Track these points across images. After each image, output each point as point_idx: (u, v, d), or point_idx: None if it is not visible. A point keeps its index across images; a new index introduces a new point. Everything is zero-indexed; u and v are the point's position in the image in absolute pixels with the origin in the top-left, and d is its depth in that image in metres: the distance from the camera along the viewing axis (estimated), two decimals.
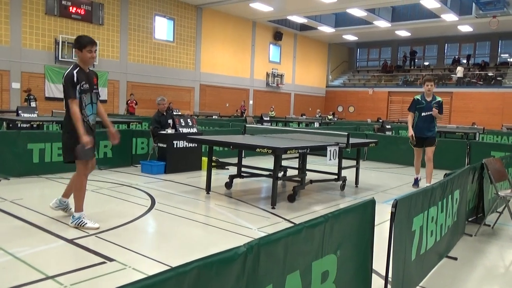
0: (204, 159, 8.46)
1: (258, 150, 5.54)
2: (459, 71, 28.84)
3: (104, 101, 20.15)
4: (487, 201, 5.28)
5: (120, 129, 9.85)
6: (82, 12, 19.16)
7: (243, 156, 7.61)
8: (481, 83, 28.45)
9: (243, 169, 6.99)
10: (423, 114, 6.73)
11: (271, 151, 5.39)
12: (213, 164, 6.77)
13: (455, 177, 4.02)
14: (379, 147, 9.63)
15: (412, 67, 33.65)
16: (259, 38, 28.28)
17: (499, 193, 4.86)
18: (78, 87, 4.18)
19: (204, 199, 6.11)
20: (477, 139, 13.85)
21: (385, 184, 8.14)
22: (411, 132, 6.85)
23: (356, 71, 36.93)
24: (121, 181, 7.12)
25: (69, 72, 4.21)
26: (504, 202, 5.01)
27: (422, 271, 3.23)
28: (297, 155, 6.79)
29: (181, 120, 8.68)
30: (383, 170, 10.15)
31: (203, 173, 8.01)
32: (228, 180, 6.87)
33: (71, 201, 4.76)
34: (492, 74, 28.62)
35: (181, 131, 8.49)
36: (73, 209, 4.62)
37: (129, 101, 19.58)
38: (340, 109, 33.48)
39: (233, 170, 7.92)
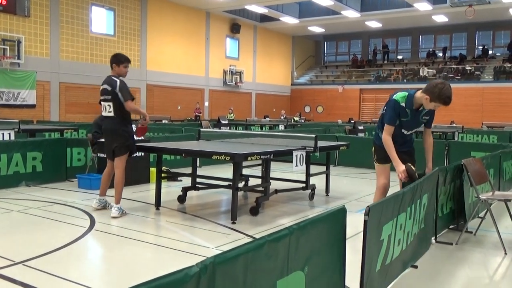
0: (153, 170, 8.34)
1: (214, 157, 5.54)
2: (426, 71, 30.33)
3: (32, 106, 19.54)
4: (468, 206, 5.48)
5: (51, 138, 9.61)
6: (4, 2, 18.57)
7: (198, 165, 7.57)
8: (459, 77, 29.75)
9: (198, 180, 6.96)
10: (404, 131, 4.71)
11: (229, 158, 5.40)
12: (163, 175, 6.72)
13: (425, 180, 4.14)
14: (351, 151, 9.81)
15: (385, 62, 34.74)
16: (214, 31, 28.37)
17: (480, 196, 5.06)
18: None
19: (154, 216, 6.05)
20: (456, 138, 14.39)
21: (358, 191, 8.30)
22: (400, 165, 4.50)
23: (323, 66, 37.63)
24: (54, 199, 6.96)
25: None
26: (486, 206, 5.22)
27: (384, 282, 3.32)
28: (260, 162, 6.82)
29: None
30: (357, 176, 10.33)
31: (152, 186, 7.89)
32: (181, 193, 6.83)
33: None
34: (470, 68, 30.02)
35: None
36: (113, 203, 6.02)
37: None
38: (307, 109, 33.98)
39: (187, 181, 7.85)
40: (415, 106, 4.48)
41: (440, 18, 28.29)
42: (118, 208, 5.92)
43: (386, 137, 4.54)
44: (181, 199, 6.78)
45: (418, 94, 4.42)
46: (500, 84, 27.65)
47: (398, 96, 4.51)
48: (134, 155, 6.37)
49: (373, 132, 5.37)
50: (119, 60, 6.02)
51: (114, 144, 6.01)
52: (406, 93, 4.52)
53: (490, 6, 25.13)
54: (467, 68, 30.14)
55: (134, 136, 6.26)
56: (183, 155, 5.94)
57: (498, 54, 31.50)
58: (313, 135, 6.79)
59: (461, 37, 32.94)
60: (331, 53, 38.30)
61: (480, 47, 31.83)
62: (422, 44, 34.45)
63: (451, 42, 33.23)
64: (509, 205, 5.29)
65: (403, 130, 4.66)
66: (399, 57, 35.13)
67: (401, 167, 4.43)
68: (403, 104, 4.48)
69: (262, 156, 5.80)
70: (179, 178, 8.52)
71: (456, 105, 27.36)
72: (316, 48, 38.25)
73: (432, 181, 4.70)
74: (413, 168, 4.50)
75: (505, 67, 28.75)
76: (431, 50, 33.17)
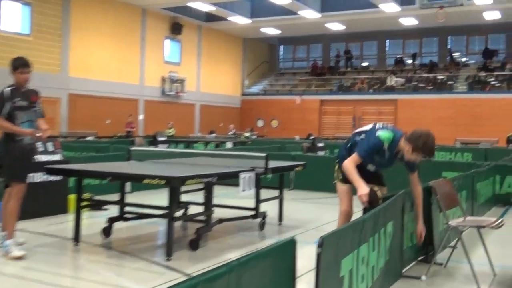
0: (72, 198, 8.10)
1: (146, 181, 5.48)
2: (393, 80, 31.21)
3: None
4: (437, 234, 5.66)
5: None
6: None
7: (128, 190, 7.42)
8: (430, 87, 30.84)
9: (127, 208, 6.86)
10: (370, 168, 5.11)
11: (164, 182, 5.37)
12: (84, 203, 6.58)
13: (389, 206, 4.25)
14: (309, 172, 9.92)
15: (348, 69, 35.56)
16: (151, 31, 28.26)
17: (449, 223, 5.23)
18: (10, 103, 5.69)
19: (72, 253, 5.92)
20: None
21: (317, 219, 8.38)
22: (363, 187, 4.69)
23: (279, 74, 37.95)
24: None
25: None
26: (457, 234, 5.39)
27: None
28: (202, 186, 6.79)
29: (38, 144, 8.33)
30: (315, 201, 10.44)
31: (71, 216, 7.66)
32: (106, 224, 6.69)
33: None
34: (442, 77, 31.29)
35: (37, 159, 8.07)
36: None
37: None
38: (260, 123, 34.19)
39: (114, 210, 7.67)
40: (396, 150, 4.86)
41: (409, 21, 29.09)
42: (8, 244, 5.63)
43: (350, 164, 4.85)
44: (106, 231, 6.65)
45: (402, 142, 4.77)
46: (474, 95, 28.75)
47: (384, 136, 4.81)
48: (31, 180, 6.26)
49: (336, 150, 5.72)
50: (13, 66, 5.86)
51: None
52: (392, 135, 4.83)
53: (463, 9, 26.00)
54: (438, 77, 31.28)
55: (29, 157, 6.00)
56: (110, 178, 5.83)
57: (472, 62, 32.83)
58: (264, 154, 6.85)
59: (432, 43, 34.38)
60: (287, 58, 38.86)
61: (454, 54, 33.17)
62: (389, 49, 35.65)
63: (421, 48, 34.61)
64: (483, 232, 5.47)
65: (369, 167, 5.05)
66: (364, 64, 35.95)
67: (363, 189, 4.61)
68: (385, 146, 4.82)
69: (204, 179, 5.78)
70: (104, 207, 8.30)
71: (427, 118, 28.34)
72: (271, 52, 38.56)
73: (396, 206, 4.83)
74: (379, 192, 4.67)
75: (480, 76, 29.97)
76: (399, 56, 34.41)
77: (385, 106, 30.68)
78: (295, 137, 26.29)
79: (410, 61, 34.24)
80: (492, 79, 29.72)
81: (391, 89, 31.24)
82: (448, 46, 33.72)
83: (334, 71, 35.56)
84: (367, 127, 5.09)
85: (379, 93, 31.45)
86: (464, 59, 33.35)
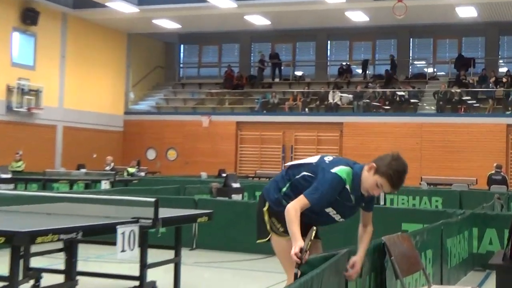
0: None
1: None
2: (338, 96, 31.78)
3: None
4: None
5: None
6: None
7: None
8: (387, 107, 31.43)
9: None
10: (333, 215, 5.19)
11: (4, 239, 5.26)
12: None
13: (327, 269, 4.33)
14: (219, 224, 9.88)
15: (276, 79, 35.89)
16: None
17: None
18: None
19: None
20: (381, 202, 14.94)
21: None
22: (300, 241, 4.70)
23: (179, 84, 37.76)
24: None
25: None
26: None
27: None
28: (61, 245, 6.67)
29: None
30: (228, 265, 10.35)
31: None
32: None
33: None
34: (402, 94, 31.96)
35: None
36: None
37: None
38: (151, 155, 34.04)
39: None
40: (361, 190, 4.95)
41: (358, 17, 29.75)
42: None
43: (295, 209, 4.79)
44: None
45: (366, 172, 4.87)
46: (445, 118, 29.44)
47: (342, 172, 4.89)
48: None
49: (258, 193, 5.52)
50: None
51: None
52: (350, 170, 4.94)
53: (429, 2, 27.07)
54: (398, 93, 31.94)
55: None
56: None
57: (441, 73, 34.13)
58: (153, 199, 6.82)
59: (389, 46, 35.21)
60: (190, 63, 38.69)
61: (418, 63, 34.46)
62: (332, 54, 36.11)
63: (374, 52, 35.34)
64: None
65: (328, 210, 5.04)
66: (298, 73, 36.40)
67: (299, 242, 4.61)
68: (347, 186, 4.90)
69: (64, 236, 5.68)
70: None
71: (383, 148, 26.79)
72: (167, 54, 38.38)
73: (338, 269, 4.85)
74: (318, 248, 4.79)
75: (452, 92, 30.50)
76: (345, 64, 34.68)
77: (327, 131, 30.83)
78: (201, 174, 26.26)
79: (359, 71, 34.79)
80: (468, 97, 30.40)
81: (335, 109, 31.51)
82: (410, 52, 34.93)
83: (256, 82, 35.53)
84: (312, 159, 5.14)
85: (318, 114, 31.89)
86: (430, 70, 34.52)
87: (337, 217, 5.12)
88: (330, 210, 5.01)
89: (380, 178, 4.72)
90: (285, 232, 4.97)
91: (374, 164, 4.75)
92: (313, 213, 4.90)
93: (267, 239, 5.20)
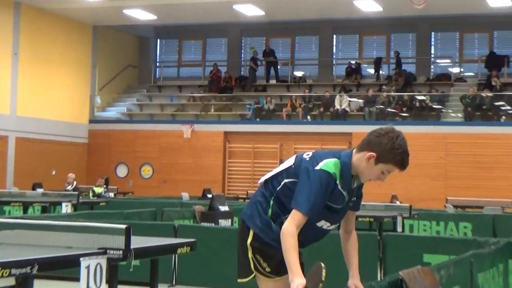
0: None
1: None
2: (346, 101, 31.58)
3: None
4: None
5: None
6: None
7: None
8: (405, 114, 31.22)
9: None
10: (323, 226, 5.14)
11: None
12: None
13: None
14: (202, 255, 9.83)
15: (272, 81, 35.77)
16: None
17: None
18: None
19: None
20: (399, 229, 14.98)
21: None
22: (300, 276, 4.65)
23: (154, 86, 37.75)
24: None
25: None
26: None
27: None
28: (13, 281, 6.41)
29: None
30: None
31: None
32: None
33: None
34: (423, 99, 31.71)
35: None
36: None
37: None
38: (122, 172, 34.10)
39: None
40: (354, 180, 4.95)
41: (369, 6, 29.71)
42: None
43: (292, 232, 4.71)
44: None
45: (356, 157, 4.86)
46: (474, 128, 29.16)
47: (329, 166, 4.82)
48: None
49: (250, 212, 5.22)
50: None
51: None
52: (337, 160, 4.87)
53: None
54: (418, 97, 31.69)
55: None
56: None
57: (469, 73, 34.08)
58: (124, 226, 6.81)
59: (406, 42, 35.58)
60: (169, 61, 39.09)
61: (440, 62, 34.45)
62: (338, 51, 36.26)
63: (388, 49, 35.19)
64: None
65: (320, 223, 5.02)
66: (298, 73, 36.27)
67: (299, 280, 4.56)
68: (339, 182, 4.83)
69: (15, 270, 5.60)
70: None
71: None
72: (141, 51, 38.61)
73: None
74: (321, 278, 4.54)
75: (482, 97, 30.17)
76: (354, 63, 34.62)
77: (333, 143, 30.02)
78: (182, 195, 25.92)
79: (371, 71, 34.82)
80: (502, 103, 30.22)
81: (342, 116, 31.41)
82: (432, 49, 34.87)
83: (248, 84, 35.55)
84: (288, 162, 5.09)
85: (322, 123, 31.99)
86: (456, 70, 34.28)
87: (327, 226, 5.04)
88: (323, 224, 5.00)
89: (386, 165, 4.74)
90: (273, 273, 4.95)
91: (373, 153, 4.70)
92: (307, 232, 4.85)
93: (249, 279, 5.12)
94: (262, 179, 5.20)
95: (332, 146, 29.24)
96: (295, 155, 5.07)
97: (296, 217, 4.70)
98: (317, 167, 4.77)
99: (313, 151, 5.02)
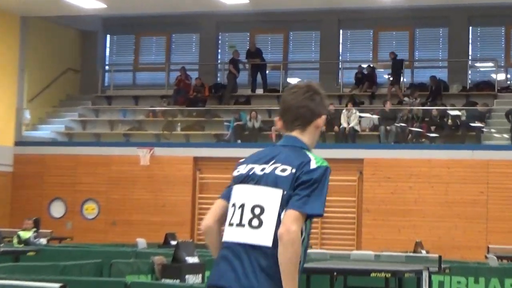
0: None
1: None
2: (355, 117, 29.60)
3: None
4: None
5: None
6: None
7: None
8: (434, 134, 29.31)
9: None
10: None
11: None
12: None
13: None
14: None
15: (258, 90, 33.82)
16: None
17: None
18: None
19: None
20: (425, 287, 14.31)
21: None
22: None
23: (102, 97, 35.59)
24: None
25: None
26: None
27: None
28: None
29: None
30: None
31: None
32: None
33: None
34: (459, 114, 29.48)
35: None
36: None
37: None
38: (57, 210, 31.29)
39: None
40: None
41: None
42: None
43: (298, 252, 4.47)
44: None
45: (307, 137, 4.69)
46: None
47: (320, 158, 4.75)
48: None
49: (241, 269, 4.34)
50: None
51: None
52: (309, 152, 4.78)
53: None
54: (450, 113, 29.69)
55: None
56: None
57: None
58: (58, 284, 7.92)
59: (436, 39, 33.59)
60: (121, 64, 37.40)
61: (480, 65, 33.13)
62: (345, 50, 34.26)
63: (412, 49, 32.92)
64: None
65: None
66: (292, 80, 33.03)
67: None
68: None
69: None
70: None
71: (426, 200, 27.48)
72: (85, 50, 36.42)
73: None
74: None
75: None
76: (365, 66, 32.77)
77: (338, 173, 27.33)
78: (138, 241, 23.60)
79: (387, 76, 32.89)
80: None
81: (351, 137, 29.56)
82: (470, 49, 32.90)
83: (226, 94, 33.35)
84: (268, 201, 4.33)
85: (324, 146, 28.05)
86: (501, 76, 32.08)
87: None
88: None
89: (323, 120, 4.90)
90: None
91: (324, 115, 4.79)
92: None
93: None
94: (245, 241, 4.24)
95: (337, 176, 28.16)
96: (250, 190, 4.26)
97: (300, 221, 4.47)
98: (323, 165, 4.66)
99: (264, 166, 4.39)
